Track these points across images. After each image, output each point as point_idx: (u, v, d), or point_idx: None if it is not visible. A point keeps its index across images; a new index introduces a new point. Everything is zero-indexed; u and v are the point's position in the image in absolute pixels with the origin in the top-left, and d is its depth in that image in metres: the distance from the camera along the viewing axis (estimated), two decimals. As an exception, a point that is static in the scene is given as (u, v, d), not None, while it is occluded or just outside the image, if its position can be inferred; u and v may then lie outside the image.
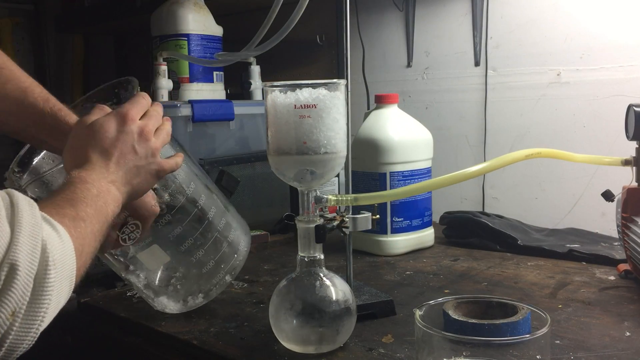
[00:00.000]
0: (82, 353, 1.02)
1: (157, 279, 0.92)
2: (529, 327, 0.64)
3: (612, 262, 1.09)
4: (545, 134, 1.42)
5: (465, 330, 0.62)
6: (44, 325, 0.51)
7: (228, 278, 0.93)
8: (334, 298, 0.76)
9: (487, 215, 1.35)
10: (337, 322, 0.75)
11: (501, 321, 0.66)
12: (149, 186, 0.76)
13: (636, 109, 0.93)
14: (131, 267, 0.91)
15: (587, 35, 1.34)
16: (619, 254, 1.11)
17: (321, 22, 1.71)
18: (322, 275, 0.78)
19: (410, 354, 0.75)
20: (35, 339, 0.51)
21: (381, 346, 0.78)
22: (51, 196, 0.62)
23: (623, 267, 1.04)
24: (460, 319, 0.66)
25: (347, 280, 0.89)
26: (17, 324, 0.48)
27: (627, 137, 0.96)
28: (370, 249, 1.25)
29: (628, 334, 0.79)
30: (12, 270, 0.47)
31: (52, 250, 0.51)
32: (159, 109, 0.78)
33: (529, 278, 1.05)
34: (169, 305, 0.93)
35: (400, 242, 1.24)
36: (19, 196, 0.52)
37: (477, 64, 1.51)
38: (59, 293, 0.52)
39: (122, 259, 0.90)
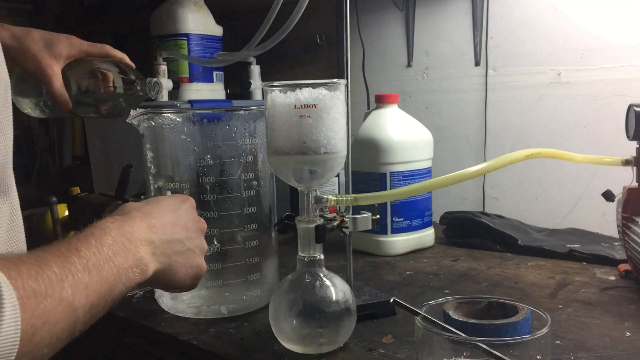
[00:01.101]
0: (82, 353, 1.02)
1: None
2: (530, 328, 0.64)
3: (612, 262, 1.09)
4: (545, 134, 1.42)
5: (465, 330, 0.62)
6: None
7: (223, 310, 0.90)
8: (334, 298, 0.76)
9: (487, 215, 1.34)
10: (337, 322, 0.75)
11: (501, 321, 0.66)
12: (185, 279, 0.62)
13: (636, 109, 0.93)
14: None
15: (587, 35, 1.34)
16: (620, 254, 1.11)
17: (321, 22, 1.71)
18: (322, 275, 0.78)
19: (410, 354, 0.75)
20: None
21: (381, 346, 0.78)
22: (57, 243, 0.49)
23: (623, 267, 1.04)
24: (460, 319, 0.66)
25: (347, 280, 0.89)
26: None
27: (627, 137, 0.96)
28: (370, 249, 1.25)
29: (628, 334, 0.79)
30: None
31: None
32: None
33: (529, 278, 1.04)
34: (164, 296, 0.93)
35: (400, 242, 1.23)
36: None
37: (477, 64, 1.51)
38: None
39: None
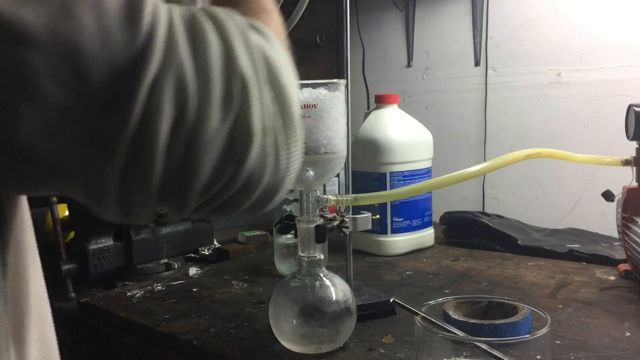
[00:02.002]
0: (82, 353, 1.02)
1: None
2: (529, 327, 0.64)
3: (612, 262, 1.09)
4: (545, 134, 1.42)
5: (465, 330, 0.62)
6: (299, 161, 0.44)
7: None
8: (334, 298, 0.76)
9: (487, 215, 1.35)
10: (337, 322, 0.75)
11: (501, 321, 0.66)
12: None
13: (636, 109, 0.93)
14: None
15: (587, 35, 1.34)
16: (619, 254, 1.11)
17: (321, 22, 1.71)
18: (322, 275, 0.78)
19: (410, 354, 0.75)
20: (293, 177, 0.44)
21: (381, 346, 0.78)
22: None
23: (623, 267, 1.04)
24: (460, 319, 0.66)
25: (347, 280, 0.89)
26: (277, 142, 0.41)
27: (627, 137, 0.96)
28: (370, 249, 1.25)
29: (628, 334, 0.79)
30: (244, 83, 0.38)
31: (272, 58, 0.41)
32: None
33: (529, 278, 1.05)
34: None
35: (400, 242, 1.24)
36: (214, 8, 0.42)
37: (477, 64, 1.51)
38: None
39: None
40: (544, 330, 0.57)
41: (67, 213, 1.32)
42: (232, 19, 0.41)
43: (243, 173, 0.39)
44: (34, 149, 0.34)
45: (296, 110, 0.43)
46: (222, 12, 0.41)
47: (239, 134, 0.38)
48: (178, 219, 0.40)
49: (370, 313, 0.87)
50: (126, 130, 0.34)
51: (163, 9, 0.37)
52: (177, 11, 0.39)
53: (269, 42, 0.42)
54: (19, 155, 0.34)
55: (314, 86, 0.74)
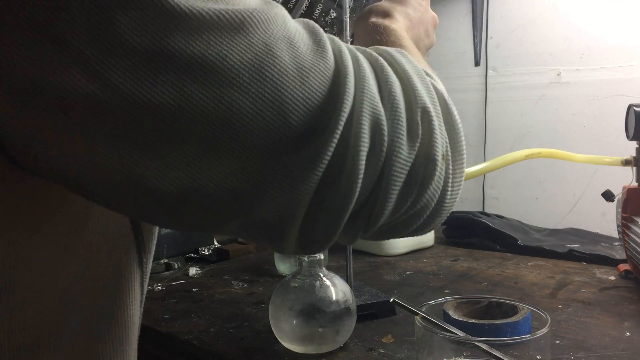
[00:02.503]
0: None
1: None
2: (529, 327, 0.64)
3: (612, 262, 1.09)
4: (545, 134, 1.42)
5: (465, 330, 0.62)
6: (461, 188, 0.46)
7: None
8: (334, 298, 0.76)
9: (487, 215, 1.35)
10: (337, 322, 0.75)
11: (501, 321, 0.66)
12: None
13: (636, 109, 0.94)
14: None
15: (587, 36, 1.34)
16: (619, 254, 1.11)
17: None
18: (322, 275, 0.78)
19: (410, 354, 0.75)
20: (455, 202, 0.46)
21: (381, 346, 0.78)
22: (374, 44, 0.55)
23: (623, 267, 1.04)
24: (460, 319, 0.66)
25: (347, 280, 0.89)
26: (450, 169, 0.43)
27: (627, 137, 0.96)
28: (370, 249, 1.25)
29: (628, 334, 0.79)
30: (426, 113, 0.40)
31: (441, 91, 0.43)
32: None
33: (529, 278, 1.05)
34: None
35: (400, 242, 1.24)
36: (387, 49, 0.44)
37: (477, 64, 1.51)
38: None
39: None
40: (544, 330, 0.57)
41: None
42: (400, 54, 0.43)
43: (423, 198, 0.41)
44: (217, 192, 0.34)
45: (464, 142, 0.44)
46: (388, 49, 0.44)
47: (424, 161, 0.40)
48: (352, 242, 0.45)
49: (370, 313, 0.87)
50: (323, 162, 0.35)
51: (343, 45, 0.39)
52: (352, 47, 0.41)
53: (432, 76, 0.45)
54: (205, 200, 0.34)
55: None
